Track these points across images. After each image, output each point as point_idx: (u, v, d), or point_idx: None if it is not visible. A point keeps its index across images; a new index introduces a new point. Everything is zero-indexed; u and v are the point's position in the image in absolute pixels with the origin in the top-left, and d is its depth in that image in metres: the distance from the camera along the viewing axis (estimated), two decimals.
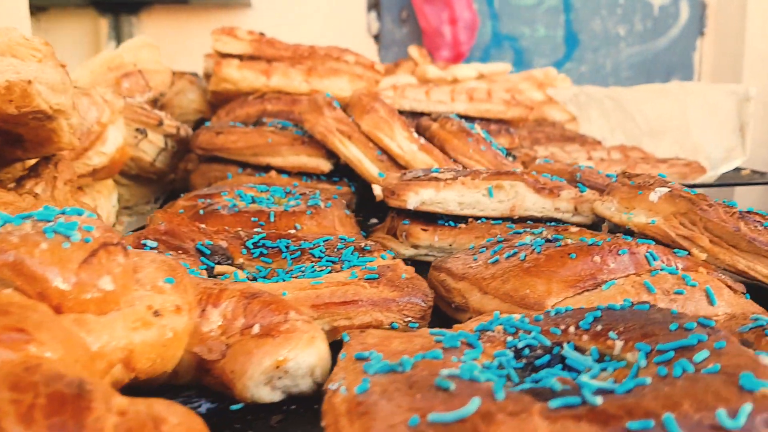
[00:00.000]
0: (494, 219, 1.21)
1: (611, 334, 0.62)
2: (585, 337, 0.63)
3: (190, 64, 4.56)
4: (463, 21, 4.53)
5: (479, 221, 1.20)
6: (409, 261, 1.21)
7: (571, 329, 0.65)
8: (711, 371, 0.52)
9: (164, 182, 1.69)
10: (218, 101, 1.92)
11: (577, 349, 0.63)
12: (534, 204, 1.20)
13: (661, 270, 0.84)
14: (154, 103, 1.96)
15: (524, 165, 1.93)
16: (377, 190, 1.24)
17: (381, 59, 4.69)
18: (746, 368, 0.51)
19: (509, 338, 0.65)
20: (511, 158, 1.68)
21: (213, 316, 0.65)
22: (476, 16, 4.57)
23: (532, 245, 0.89)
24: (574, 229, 1.04)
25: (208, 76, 1.93)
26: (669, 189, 1.01)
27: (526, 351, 0.63)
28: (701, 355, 0.54)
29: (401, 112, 1.86)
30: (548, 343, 0.64)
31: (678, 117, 2.20)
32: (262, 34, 1.93)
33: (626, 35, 4.97)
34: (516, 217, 1.21)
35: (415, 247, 1.22)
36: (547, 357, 0.62)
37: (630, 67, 4.98)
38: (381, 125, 1.51)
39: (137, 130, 1.51)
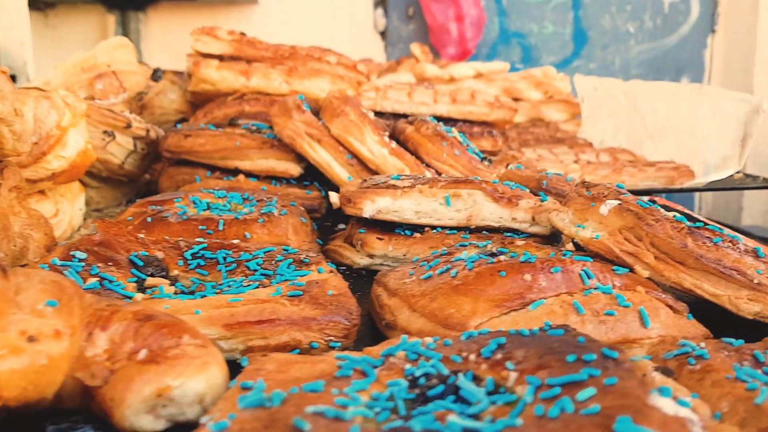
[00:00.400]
0: (451, 229, 1.18)
1: (508, 363, 0.59)
2: (484, 366, 0.60)
3: None
4: (469, 18, 4.49)
5: (435, 231, 1.17)
6: (364, 271, 1.18)
7: (472, 357, 0.62)
8: (589, 412, 0.48)
9: (138, 184, 1.66)
10: (199, 102, 1.90)
11: (475, 378, 0.60)
12: (491, 214, 1.16)
13: (595, 289, 0.81)
14: (138, 103, 1.94)
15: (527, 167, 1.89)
16: (334, 197, 1.21)
17: (387, 56, 4.67)
18: (627, 411, 0.48)
19: (408, 366, 0.62)
20: (487, 162, 1.64)
21: (100, 339, 0.62)
22: (483, 13, 4.53)
23: (466, 261, 0.86)
24: (520, 242, 1.00)
25: (190, 76, 1.90)
26: (619, 202, 0.97)
27: (422, 380, 0.60)
28: (586, 393, 0.51)
29: (383, 114, 1.83)
30: (446, 371, 0.60)
31: (686, 118, 2.14)
32: (243, 34, 1.90)
33: (636, 32, 4.90)
34: (473, 226, 1.18)
35: (371, 256, 1.19)
36: (441, 387, 0.58)
37: (639, 65, 4.92)
38: (351, 129, 1.48)
39: (105, 132, 1.48)
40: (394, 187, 1.18)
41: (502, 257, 0.86)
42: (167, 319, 0.65)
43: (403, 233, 1.18)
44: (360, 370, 0.60)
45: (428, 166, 1.56)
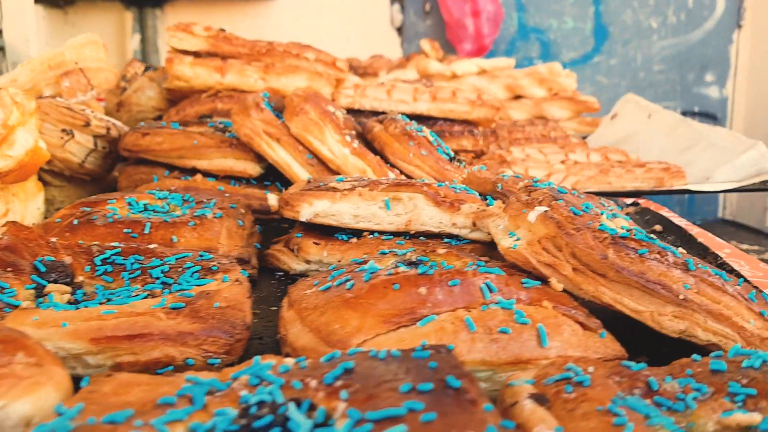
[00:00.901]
0: (391, 234, 1.12)
1: (343, 392, 0.54)
2: (321, 394, 0.55)
3: None
4: (486, 13, 4.41)
5: (372, 236, 1.11)
6: (300, 276, 1.13)
7: (314, 383, 0.56)
8: None
9: (105, 183, 1.63)
10: (176, 99, 1.86)
11: (311, 407, 0.55)
12: (431, 218, 1.11)
13: (495, 304, 0.75)
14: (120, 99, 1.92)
15: (489, 168, 1.83)
16: (272, 199, 1.16)
17: (404, 52, 4.61)
18: None
19: (245, 392, 0.57)
20: (457, 163, 1.58)
21: None
22: (500, 8, 4.44)
23: (366, 271, 0.80)
24: (441, 250, 0.94)
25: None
26: (546, 208, 0.91)
27: (254, 409, 0.55)
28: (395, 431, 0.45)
29: (362, 112, 1.78)
30: (281, 400, 0.55)
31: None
32: (222, 30, 1.86)
33: (659, 27, 4.78)
34: (413, 231, 1.12)
35: (308, 262, 1.13)
36: (269, 418, 0.53)
37: (662, 61, 4.80)
38: (310, 127, 1.43)
39: (63, 131, 1.45)
40: (334, 189, 1.13)
41: (401, 268, 0.80)
42: (5, 335, 0.61)
43: (341, 238, 1.13)
44: (188, 397, 0.55)
45: (394, 166, 1.50)
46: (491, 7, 4.41)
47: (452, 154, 1.62)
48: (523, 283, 0.80)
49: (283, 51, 1.84)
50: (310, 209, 1.11)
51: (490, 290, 0.76)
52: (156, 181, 1.46)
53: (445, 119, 1.84)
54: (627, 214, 1.65)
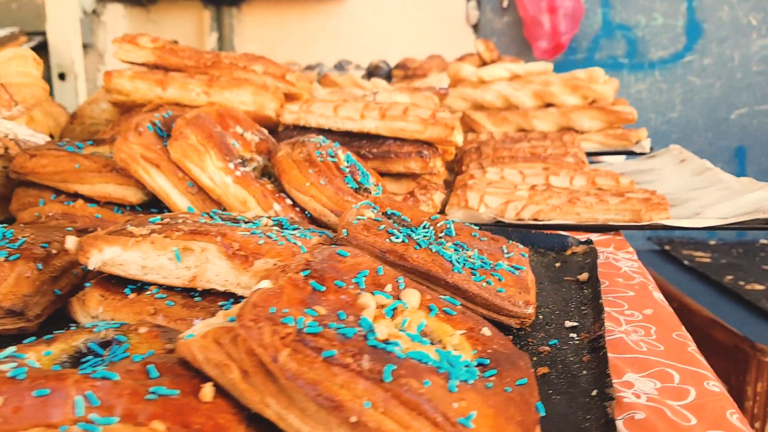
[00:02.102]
0: (180, 289, 0.97)
1: None
2: None
3: (289, 54, 4.47)
4: (564, 9, 4.13)
5: (150, 293, 0.97)
6: None
7: None
8: None
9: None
10: (124, 112, 1.77)
11: None
12: (217, 275, 0.95)
13: (86, 423, 0.59)
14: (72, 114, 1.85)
15: (455, 188, 1.64)
16: (70, 242, 1.03)
17: None
18: None
19: None
20: (366, 193, 1.41)
21: None
22: (581, 3, 4.15)
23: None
24: (143, 329, 0.78)
25: None
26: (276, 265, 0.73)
27: None
28: None
29: (308, 129, 1.63)
30: None
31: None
32: (173, 42, 1.75)
33: (759, 24, 4.34)
34: (200, 289, 0.96)
35: (94, 316, 1.00)
36: None
37: (762, 61, 4.35)
38: (190, 153, 1.29)
39: None
40: (130, 234, 0.99)
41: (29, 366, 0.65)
42: None
43: (128, 292, 0.99)
44: None
45: (287, 196, 1.34)
46: (570, 3, 4.12)
47: (369, 182, 1.44)
48: (149, 393, 0.63)
49: (230, 63, 1.71)
50: (99, 256, 0.98)
51: (91, 404, 0.60)
52: (42, 205, 1.37)
53: (396, 138, 1.66)
54: (572, 253, 1.42)
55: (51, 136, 1.81)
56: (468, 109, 2.52)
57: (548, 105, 2.56)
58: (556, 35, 4.19)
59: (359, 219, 1.10)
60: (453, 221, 1.26)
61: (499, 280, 1.08)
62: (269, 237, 0.99)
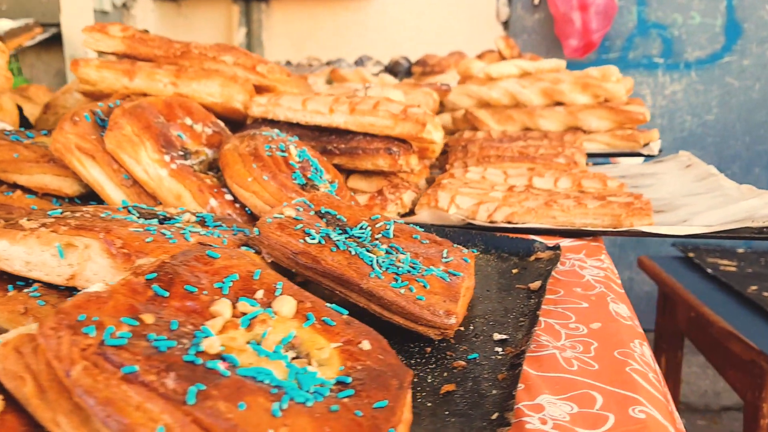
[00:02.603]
0: (62, 288, 0.91)
1: None
2: None
3: (317, 50, 4.41)
4: (595, 6, 3.99)
5: (28, 290, 0.90)
6: None
7: None
8: None
9: None
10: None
11: None
12: (96, 274, 0.88)
13: None
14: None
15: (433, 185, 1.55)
16: None
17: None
18: None
19: None
20: (323, 190, 1.32)
21: None
22: (614, 1, 3.99)
23: None
24: None
25: None
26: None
27: None
28: None
29: (277, 123, 1.56)
30: None
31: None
32: (143, 31, 1.69)
33: None
34: (80, 288, 0.89)
35: None
36: None
37: None
38: (124, 144, 1.23)
39: None
40: (21, 227, 0.93)
41: None
42: None
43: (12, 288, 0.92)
44: None
45: (228, 192, 1.27)
46: (602, 0, 3.96)
47: (323, 178, 1.36)
48: None
49: (200, 53, 1.65)
50: None
51: None
52: None
53: (366, 134, 1.57)
54: (536, 259, 1.32)
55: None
56: (472, 107, 2.42)
57: (558, 104, 2.44)
58: (587, 33, 4.05)
59: (277, 217, 1.02)
60: (395, 222, 1.17)
61: (424, 286, 0.99)
62: (163, 234, 0.92)
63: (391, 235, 1.13)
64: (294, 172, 1.30)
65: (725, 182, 1.73)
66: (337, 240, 1.01)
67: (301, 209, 1.08)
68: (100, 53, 1.70)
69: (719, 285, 2.98)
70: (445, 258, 1.11)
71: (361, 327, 0.79)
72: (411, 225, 1.22)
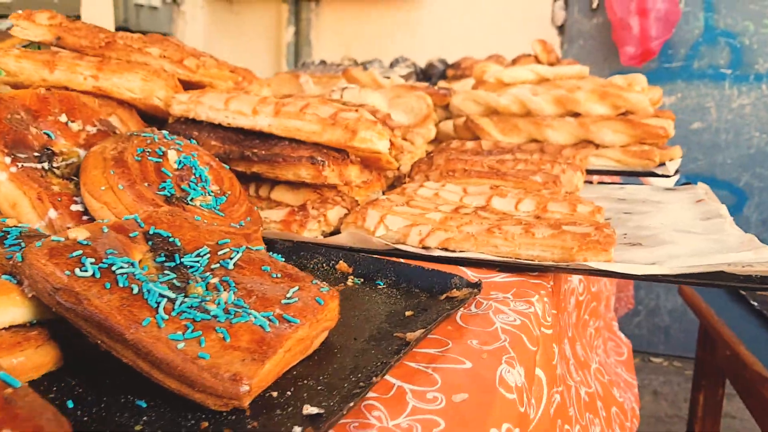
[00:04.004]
0: None
1: None
2: None
3: (365, 50, 4.20)
4: (655, 12, 3.64)
5: None
6: None
7: None
8: None
9: None
10: None
11: None
12: None
13: None
14: None
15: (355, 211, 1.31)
16: None
17: (563, 53, 3.95)
18: None
19: None
20: (200, 203, 1.10)
21: None
22: (676, 6, 3.63)
23: None
24: None
25: None
26: None
27: None
28: None
29: (199, 123, 1.35)
30: None
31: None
32: (77, 17, 1.51)
33: None
34: None
35: None
36: None
37: None
38: None
39: None
40: None
41: None
42: None
43: None
44: None
45: (80, 200, 1.06)
46: (663, 6, 3.61)
47: (207, 190, 1.14)
48: None
49: (125, 44, 1.45)
50: None
51: None
52: None
53: (293, 140, 1.34)
54: (447, 297, 1.07)
55: None
56: (476, 114, 2.14)
57: (575, 114, 2.14)
58: (646, 40, 3.68)
59: (56, 240, 0.80)
60: (245, 249, 0.94)
61: (223, 339, 0.75)
62: None
63: (231, 266, 0.90)
64: (165, 182, 1.08)
65: (730, 228, 1.41)
66: (121, 273, 0.78)
67: (107, 230, 0.86)
68: (31, 43, 1.52)
69: (764, 322, 2.61)
70: (288, 299, 0.87)
71: (24, 408, 0.56)
72: (335, 245, 0.98)
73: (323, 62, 3.44)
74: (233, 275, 0.89)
